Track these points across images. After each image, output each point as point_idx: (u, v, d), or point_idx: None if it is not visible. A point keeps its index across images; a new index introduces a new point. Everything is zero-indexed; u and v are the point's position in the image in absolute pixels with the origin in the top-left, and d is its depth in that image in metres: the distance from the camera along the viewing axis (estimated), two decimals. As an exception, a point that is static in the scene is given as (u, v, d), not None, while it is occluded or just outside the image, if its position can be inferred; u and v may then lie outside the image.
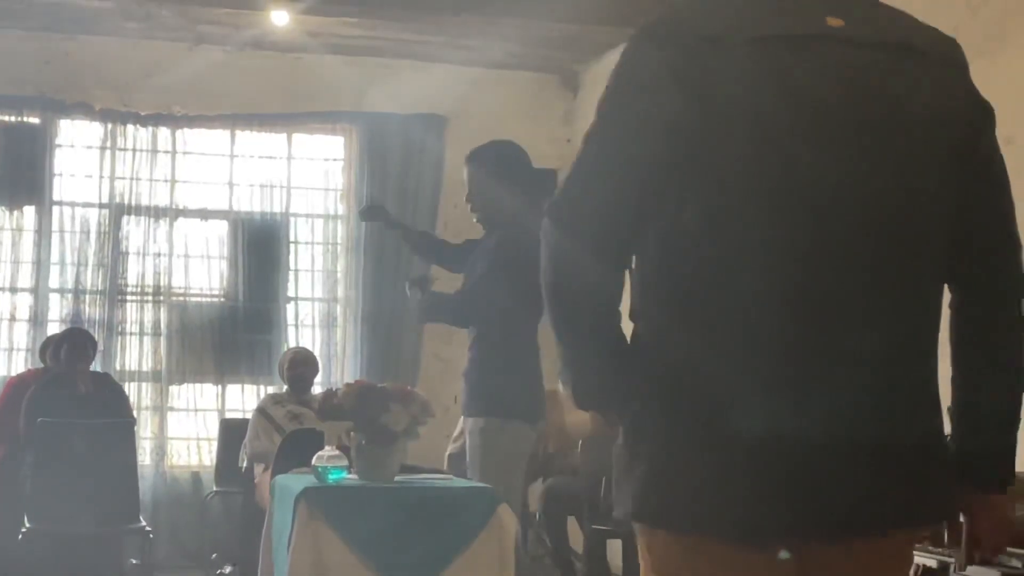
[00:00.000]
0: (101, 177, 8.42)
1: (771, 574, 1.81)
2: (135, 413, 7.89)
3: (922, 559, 3.75)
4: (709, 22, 1.84)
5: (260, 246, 8.62)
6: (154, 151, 8.49)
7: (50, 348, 7.56)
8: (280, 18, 7.70)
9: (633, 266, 1.93)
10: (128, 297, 8.43)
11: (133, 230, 8.46)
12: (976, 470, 1.98)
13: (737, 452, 1.77)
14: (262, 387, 8.42)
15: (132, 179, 8.44)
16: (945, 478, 1.92)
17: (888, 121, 1.85)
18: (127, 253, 8.44)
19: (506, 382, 4.99)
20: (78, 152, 8.47)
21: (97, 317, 8.29)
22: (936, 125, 1.89)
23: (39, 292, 8.29)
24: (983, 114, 1.98)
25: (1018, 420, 2.01)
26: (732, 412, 1.78)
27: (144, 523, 7.12)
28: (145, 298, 8.45)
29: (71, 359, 7.35)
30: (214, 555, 7.70)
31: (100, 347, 7.94)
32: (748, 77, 1.80)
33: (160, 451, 8.32)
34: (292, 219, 8.78)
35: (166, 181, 8.53)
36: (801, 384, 1.79)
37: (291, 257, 8.75)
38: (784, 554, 1.80)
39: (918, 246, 1.88)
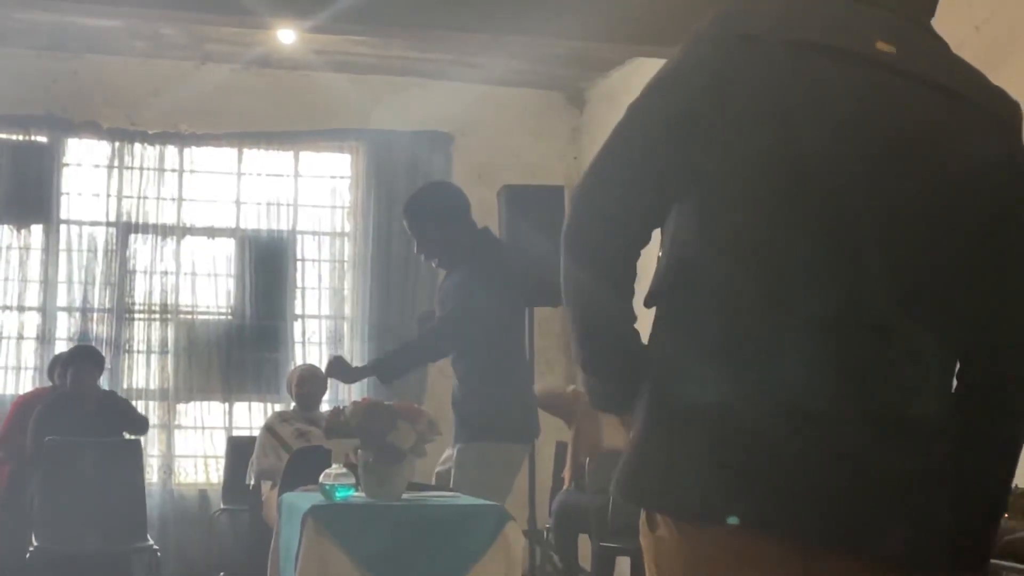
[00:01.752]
0: (108, 195, 8.44)
1: (781, 570, 1.80)
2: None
3: None
4: (751, 20, 1.84)
5: (267, 264, 8.64)
6: (161, 169, 8.52)
7: (57, 367, 7.57)
8: (287, 36, 7.73)
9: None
10: (135, 315, 8.44)
11: (140, 248, 8.48)
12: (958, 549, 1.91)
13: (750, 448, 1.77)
14: (269, 405, 8.43)
15: (139, 197, 8.47)
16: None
17: (915, 160, 1.81)
18: (134, 271, 8.46)
19: (495, 406, 5.10)
20: (85, 171, 8.49)
21: (104, 335, 8.30)
22: (969, 180, 1.84)
23: (46, 310, 8.30)
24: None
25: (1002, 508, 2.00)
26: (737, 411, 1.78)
27: (151, 541, 7.12)
28: (152, 316, 8.46)
29: (77, 377, 7.35)
30: (221, 573, 7.70)
31: (107, 365, 7.95)
32: (776, 77, 1.80)
33: (167, 469, 8.33)
34: (299, 237, 8.80)
35: (173, 199, 8.55)
36: (805, 390, 1.78)
37: (298, 275, 8.77)
38: (732, 519, 1.77)
39: (925, 296, 1.83)
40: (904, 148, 1.81)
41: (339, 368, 5.43)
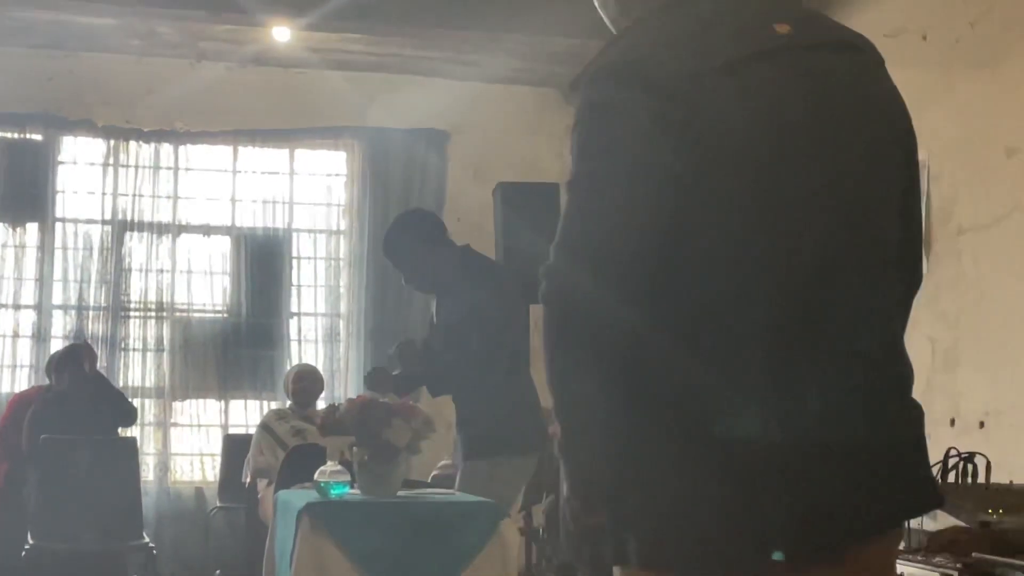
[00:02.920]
0: (104, 193, 8.44)
1: None
2: (138, 430, 7.90)
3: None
4: (678, 57, 1.82)
5: (263, 262, 8.63)
6: (156, 167, 8.51)
7: (52, 365, 7.56)
8: (282, 34, 7.72)
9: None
10: (131, 313, 8.43)
11: (136, 246, 8.47)
12: None
13: (736, 473, 1.76)
14: (265, 403, 8.42)
15: (135, 195, 8.46)
16: (928, 466, 1.95)
17: (856, 118, 1.88)
18: (130, 269, 8.45)
19: (506, 423, 5.09)
20: (81, 169, 8.49)
21: (100, 333, 8.29)
22: (893, 119, 1.94)
23: (42, 309, 8.29)
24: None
25: None
26: (722, 424, 1.77)
27: (147, 539, 7.12)
28: (148, 314, 8.46)
29: (73, 375, 7.34)
30: (217, 571, 7.70)
31: (103, 363, 7.95)
32: (730, 108, 1.79)
33: (163, 467, 8.32)
34: (295, 234, 8.79)
35: (169, 197, 8.54)
36: (790, 390, 1.78)
37: (294, 272, 8.76)
38: (778, 554, 1.78)
39: (888, 244, 1.91)
40: (841, 116, 1.86)
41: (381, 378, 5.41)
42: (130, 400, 7.82)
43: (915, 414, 1.92)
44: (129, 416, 7.64)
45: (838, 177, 1.84)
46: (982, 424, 5.33)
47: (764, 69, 1.83)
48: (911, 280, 2.02)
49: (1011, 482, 3.46)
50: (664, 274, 1.81)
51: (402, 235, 5.30)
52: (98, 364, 7.73)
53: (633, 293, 1.80)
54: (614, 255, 1.79)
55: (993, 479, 3.49)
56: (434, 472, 5.43)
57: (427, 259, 5.23)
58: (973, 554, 2.97)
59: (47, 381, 7.68)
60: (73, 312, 8.33)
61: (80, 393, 7.36)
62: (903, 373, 1.92)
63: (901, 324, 1.95)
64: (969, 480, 3.41)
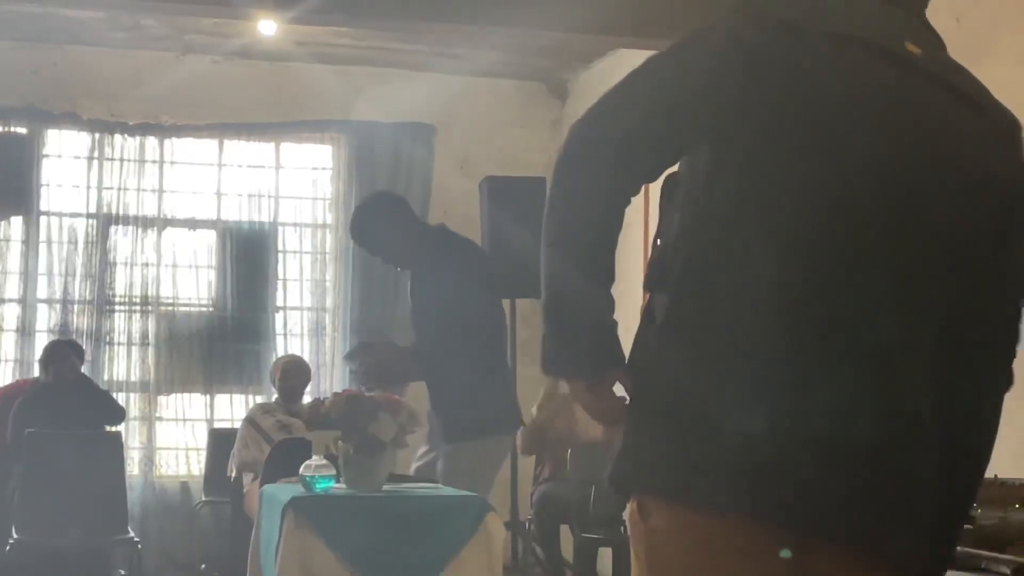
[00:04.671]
0: (89, 187, 8.41)
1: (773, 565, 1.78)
2: (123, 424, 7.88)
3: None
4: (789, 9, 1.83)
5: (248, 255, 8.62)
6: (142, 161, 8.49)
7: (41, 360, 7.53)
8: (268, 27, 7.70)
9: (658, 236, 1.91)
10: (116, 307, 8.41)
11: (121, 240, 8.45)
12: None
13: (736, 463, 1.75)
14: (251, 397, 8.42)
15: (120, 189, 8.43)
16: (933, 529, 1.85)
17: (940, 159, 1.82)
18: (115, 263, 8.42)
19: (486, 402, 5.12)
20: (65, 162, 8.46)
21: (85, 327, 8.27)
22: (984, 187, 1.85)
23: (27, 303, 8.27)
24: None
25: None
26: (725, 419, 1.76)
27: (132, 534, 7.11)
28: (133, 308, 8.44)
29: (58, 373, 7.33)
30: (203, 565, 7.69)
31: (88, 357, 7.93)
32: (814, 66, 1.78)
33: (148, 461, 8.30)
34: (280, 228, 8.78)
35: (154, 191, 8.52)
36: (803, 383, 1.76)
37: (279, 266, 8.74)
38: (786, 552, 1.76)
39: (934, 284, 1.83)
40: (927, 148, 1.81)
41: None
42: (115, 399, 7.80)
43: (941, 452, 1.81)
44: (117, 415, 7.62)
45: (881, 199, 1.78)
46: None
47: (874, 60, 1.80)
48: (1006, 381, 1.93)
49: (996, 476, 3.47)
50: (686, 218, 1.82)
51: (365, 215, 5.39)
52: (85, 358, 7.73)
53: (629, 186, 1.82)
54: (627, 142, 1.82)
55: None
56: (416, 464, 5.41)
57: (395, 233, 5.28)
58: (957, 548, 2.98)
59: (34, 375, 7.67)
60: (58, 306, 8.30)
61: (67, 388, 7.34)
62: (963, 423, 1.84)
63: (974, 387, 1.86)
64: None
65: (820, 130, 1.77)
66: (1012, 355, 1.93)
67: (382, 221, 5.32)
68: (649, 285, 1.90)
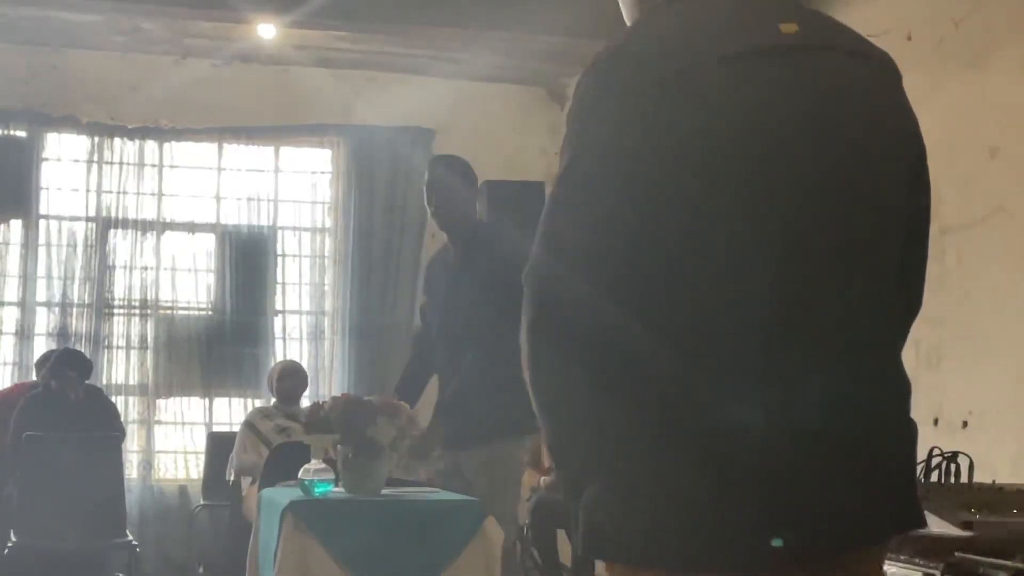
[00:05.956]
0: (88, 190, 8.41)
1: None
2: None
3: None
4: (671, 52, 1.80)
5: (247, 259, 8.62)
6: (141, 164, 8.49)
7: (43, 366, 7.51)
8: (267, 31, 7.71)
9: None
10: (115, 310, 8.41)
11: (120, 243, 8.45)
12: None
13: (725, 469, 1.73)
14: (249, 400, 8.41)
15: (119, 192, 8.43)
16: (915, 487, 1.93)
17: (859, 123, 1.85)
18: (114, 266, 8.42)
19: (512, 399, 4.96)
20: (65, 165, 8.46)
21: (84, 331, 8.27)
22: (899, 132, 1.92)
23: (26, 306, 8.27)
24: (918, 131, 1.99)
25: None
26: (705, 417, 1.75)
27: (131, 537, 7.10)
28: (132, 311, 8.44)
29: (60, 379, 7.30)
30: (201, 569, 7.69)
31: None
32: (723, 101, 1.78)
33: (147, 464, 8.30)
34: (279, 232, 8.78)
35: (153, 194, 8.52)
36: (778, 383, 1.76)
37: (278, 270, 8.75)
38: (776, 541, 1.75)
39: (886, 256, 1.90)
40: (843, 120, 1.84)
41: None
42: (115, 403, 7.80)
43: (909, 432, 1.90)
44: (118, 432, 7.59)
45: (834, 179, 1.81)
46: (965, 424, 5.35)
47: (763, 66, 1.81)
48: (911, 302, 2.01)
49: (994, 482, 3.47)
50: (652, 267, 1.79)
51: (459, 164, 5.33)
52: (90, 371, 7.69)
53: (615, 287, 1.79)
54: (594, 249, 1.79)
55: (976, 479, 3.50)
56: (433, 468, 5.28)
57: (468, 200, 5.26)
58: (956, 553, 2.98)
59: (32, 378, 7.66)
60: (57, 309, 8.30)
61: (70, 397, 7.32)
62: (902, 389, 1.90)
63: (899, 340, 1.94)
64: (952, 479, 3.42)
65: (738, 154, 1.77)
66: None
67: (463, 177, 5.25)
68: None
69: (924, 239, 2.03)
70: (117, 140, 8.43)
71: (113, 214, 8.42)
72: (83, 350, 7.89)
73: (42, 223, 8.34)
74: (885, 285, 1.88)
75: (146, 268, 8.47)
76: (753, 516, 1.73)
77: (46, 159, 8.42)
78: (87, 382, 7.56)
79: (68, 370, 7.34)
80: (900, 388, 1.89)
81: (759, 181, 1.78)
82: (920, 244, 2.01)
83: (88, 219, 8.40)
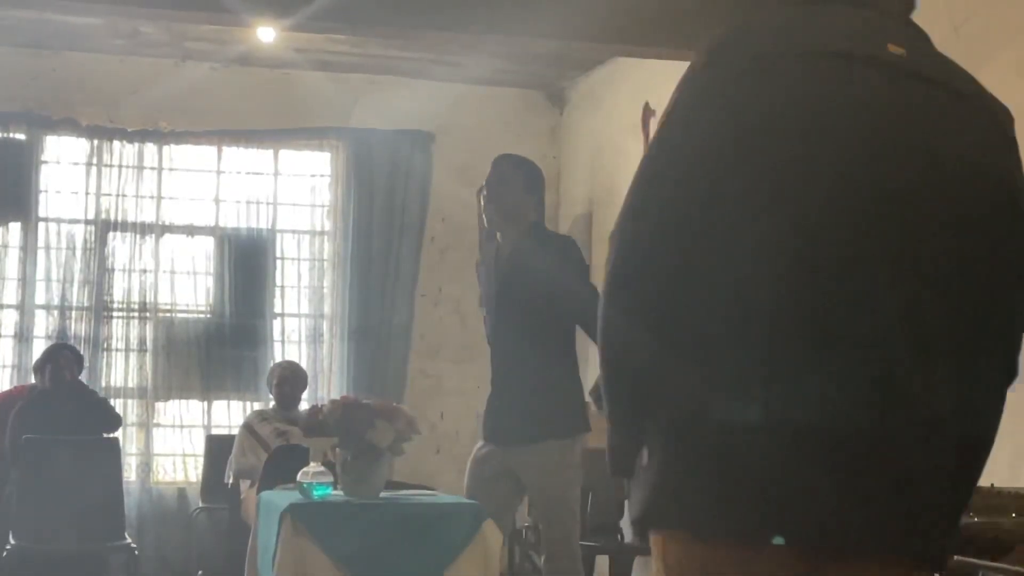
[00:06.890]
0: (87, 193, 8.40)
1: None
2: (120, 430, 7.87)
3: None
4: (762, 40, 1.85)
5: (246, 262, 8.61)
6: (140, 167, 8.48)
7: (39, 366, 7.53)
8: (267, 34, 7.70)
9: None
10: (114, 313, 8.41)
11: (119, 246, 8.44)
12: None
13: (742, 449, 1.75)
14: (248, 403, 8.41)
15: (118, 195, 8.43)
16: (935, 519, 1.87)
17: (932, 155, 1.83)
18: (113, 269, 8.42)
19: (562, 398, 4.91)
20: (64, 168, 8.45)
21: (83, 333, 8.26)
22: (979, 181, 1.86)
23: (24, 308, 8.26)
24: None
25: None
26: (718, 414, 1.76)
27: (129, 540, 7.11)
28: (131, 314, 8.43)
29: (55, 373, 7.33)
30: (200, 572, 7.68)
31: (86, 363, 7.92)
32: (792, 92, 1.80)
33: (146, 467, 8.30)
34: (279, 235, 8.77)
35: (152, 197, 8.52)
36: (796, 372, 1.77)
37: (278, 273, 8.74)
38: (778, 539, 1.76)
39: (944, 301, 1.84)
40: (924, 147, 1.82)
41: None
42: (113, 405, 7.80)
43: (940, 444, 1.83)
44: (114, 423, 7.61)
45: (868, 191, 1.80)
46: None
47: (851, 71, 1.82)
48: (1008, 371, 1.94)
49: (992, 485, 3.48)
50: (680, 260, 1.82)
51: (526, 164, 5.26)
52: (83, 362, 7.72)
53: (683, 259, 1.83)
54: (658, 221, 1.84)
55: (974, 482, 3.52)
56: (477, 467, 5.06)
57: (525, 201, 5.12)
58: (954, 557, 2.99)
59: (31, 381, 7.67)
60: (56, 312, 8.29)
61: (65, 394, 7.33)
62: (940, 410, 1.83)
63: (968, 384, 1.86)
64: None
65: (804, 155, 1.79)
66: (1015, 347, 1.94)
67: (526, 177, 5.18)
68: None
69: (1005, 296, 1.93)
70: (116, 143, 8.43)
71: (112, 217, 8.42)
72: (82, 353, 7.88)
73: (41, 226, 8.33)
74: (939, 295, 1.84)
75: (145, 271, 8.47)
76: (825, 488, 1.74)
77: (45, 162, 8.41)
78: (79, 378, 7.57)
79: (62, 350, 7.47)
80: (935, 411, 1.83)
81: (780, 174, 1.79)
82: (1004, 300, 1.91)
83: (87, 222, 8.40)
